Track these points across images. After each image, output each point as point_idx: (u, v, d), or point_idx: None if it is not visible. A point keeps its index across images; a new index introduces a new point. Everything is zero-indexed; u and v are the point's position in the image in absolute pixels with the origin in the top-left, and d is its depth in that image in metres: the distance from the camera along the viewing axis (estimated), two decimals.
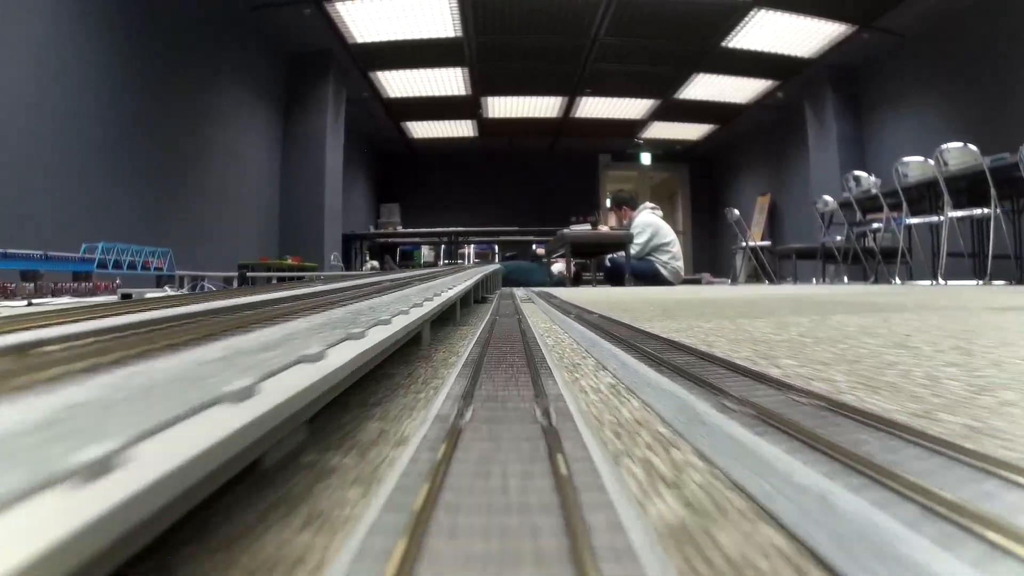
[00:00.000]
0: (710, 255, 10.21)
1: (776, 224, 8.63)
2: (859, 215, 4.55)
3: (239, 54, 5.30)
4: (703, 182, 10.65)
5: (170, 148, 4.25)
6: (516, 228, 7.46)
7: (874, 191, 4.55)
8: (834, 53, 6.43)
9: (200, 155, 4.66)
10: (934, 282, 3.96)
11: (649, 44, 6.18)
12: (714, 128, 9.09)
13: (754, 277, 7.31)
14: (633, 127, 9.02)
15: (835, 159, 6.78)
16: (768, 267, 6.12)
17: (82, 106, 3.41)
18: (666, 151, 10.27)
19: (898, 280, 4.16)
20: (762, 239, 7.65)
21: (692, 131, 9.28)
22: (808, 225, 7.23)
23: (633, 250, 4.72)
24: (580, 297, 2.12)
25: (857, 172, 4.45)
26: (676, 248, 5.00)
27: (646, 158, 10.41)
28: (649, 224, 4.98)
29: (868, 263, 4.97)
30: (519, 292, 2.61)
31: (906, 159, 4.09)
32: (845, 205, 4.92)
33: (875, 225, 4.39)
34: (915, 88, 5.94)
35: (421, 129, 8.97)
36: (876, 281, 4.36)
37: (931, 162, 3.95)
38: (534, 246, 7.55)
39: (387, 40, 5.88)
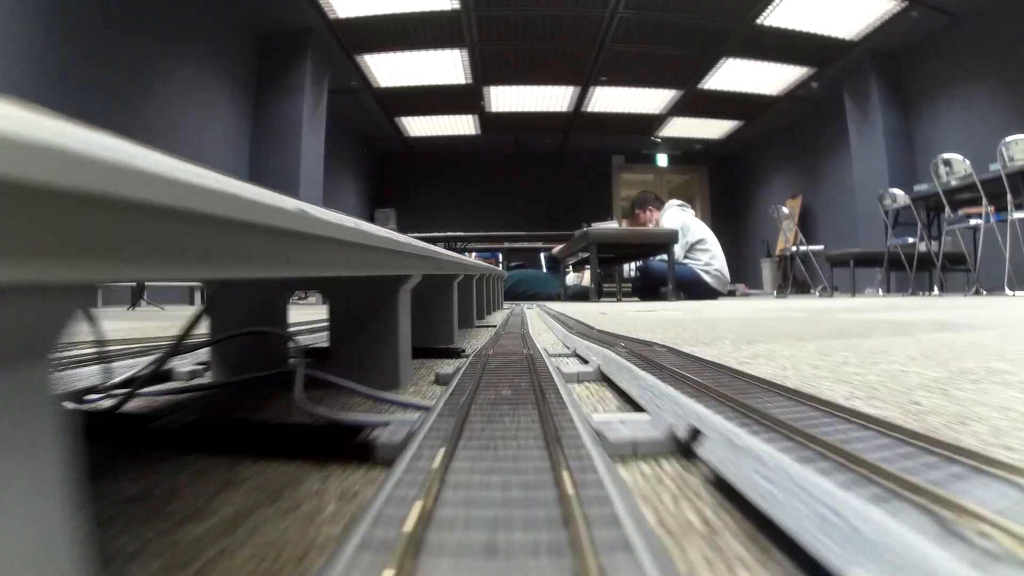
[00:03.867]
0: (732, 264, 9.37)
1: (809, 228, 7.82)
2: (947, 210, 3.71)
3: (197, 29, 4.54)
4: (724, 185, 9.84)
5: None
6: (523, 233, 6.65)
7: (954, 182, 3.73)
8: (878, 35, 5.71)
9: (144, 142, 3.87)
10: None
11: (674, 20, 5.38)
12: (738, 125, 8.30)
13: (782, 287, 6.53)
14: (651, 123, 8.22)
15: (881, 154, 6.04)
16: (820, 275, 5.31)
17: None
18: (684, 151, 9.47)
19: (1009, 290, 3.32)
20: (793, 243, 6.82)
21: (714, 128, 8.48)
22: (849, 228, 6.47)
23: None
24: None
25: (947, 155, 3.62)
26: (715, 248, 4.21)
27: (662, 159, 9.62)
28: (677, 222, 4.20)
29: (935, 269, 4.16)
30: (541, 326, 1.51)
31: (1010, 138, 3.27)
32: (918, 200, 4.11)
33: (973, 221, 3.55)
34: (968, 74, 5.26)
35: (418, 126, 8.19)
36: (978, 292, 3.51)
37: None
38: (541, 255, 6.78)
39: (374, 15, 5.11)
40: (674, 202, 4.55)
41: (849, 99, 6.50)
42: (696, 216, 4.59)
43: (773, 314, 2.06)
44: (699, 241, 4.20)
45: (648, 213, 4.58)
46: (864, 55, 6.04)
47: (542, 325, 1.59)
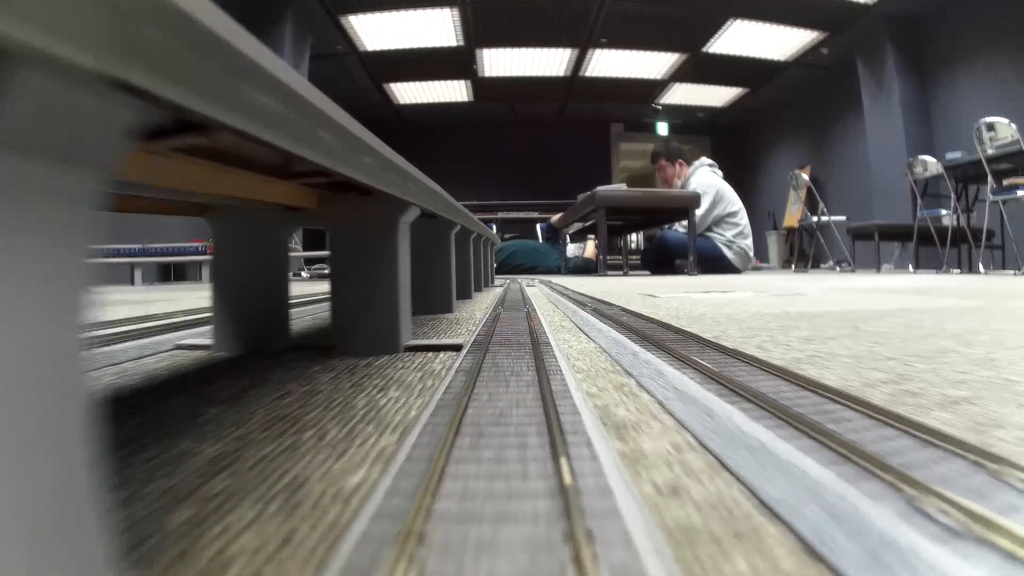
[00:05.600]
0: None
1: (816, 200, 7.54)
2: (991, 180, 3.40)
3: None
4: (726, 155, 9.41)
5: None
6: (519, 202, 6.31)
7: (991, 150, 3.42)
8: None
9: None
10: None
11: None
12: (743, 92, 7.92)
13: (801, 261, 6.25)
14: (652, 90, 7.84)
15: (898, 125, 5.75)
16: (842, 247, 5.03)
17: None
18: (686, 120, 9.10)
19: None
20: (804, 217, 6.53)
21: (718, 95, 8.10)
22: (860, 201, 6.20)
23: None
24: None
25: (991, 119, 3.30)
26: (744, 221, 3.80)
27: (663, 128, 9.25)
28: (711, 186, 3.77)
29: (964, 245, 3.89)
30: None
31: None
32: (949, 169, 3.81)
33: (1020, 193, 3.25)
34: (989, 42, 4.95)
35: (408, 92, 7.77)
36: None
37: None
38: (538, 226, 6.46)
39: None
40: (704, 161, 4.05)
41: (863, 67, 6.16)
42: (722, 176, 4.06)
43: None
44: (731, 214, 3.79)
45: (677, 167, 4.05)
46: (879, 20, 5.68)
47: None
